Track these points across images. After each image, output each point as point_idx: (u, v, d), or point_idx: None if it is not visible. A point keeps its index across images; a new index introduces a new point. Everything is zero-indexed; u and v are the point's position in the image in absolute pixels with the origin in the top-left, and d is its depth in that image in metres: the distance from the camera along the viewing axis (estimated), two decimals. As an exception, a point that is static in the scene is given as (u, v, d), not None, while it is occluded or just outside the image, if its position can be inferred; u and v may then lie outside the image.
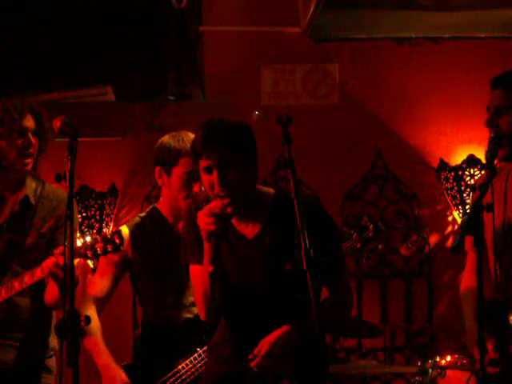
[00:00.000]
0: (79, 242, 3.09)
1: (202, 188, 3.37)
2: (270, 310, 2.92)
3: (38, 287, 3.37)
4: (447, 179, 5.94)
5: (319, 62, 6.11)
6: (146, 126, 5.86)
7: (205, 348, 3.30)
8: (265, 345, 2.86)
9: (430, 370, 4.04)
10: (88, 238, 3.06)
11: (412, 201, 6.02)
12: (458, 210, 5.90)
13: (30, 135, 3.42)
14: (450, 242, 5.96)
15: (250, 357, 2.88)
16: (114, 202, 5.94)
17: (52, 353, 3.59)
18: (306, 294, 2.57)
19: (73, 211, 2.70)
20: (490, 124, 3.20)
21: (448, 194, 5.95)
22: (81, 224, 5.73)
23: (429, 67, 6.06)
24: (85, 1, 5.83)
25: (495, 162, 3.05)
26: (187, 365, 3.42)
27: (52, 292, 3.34)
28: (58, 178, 2.74)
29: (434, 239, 5.97)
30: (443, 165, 5.97)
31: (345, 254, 3.27)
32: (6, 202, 3.50)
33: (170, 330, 3.49)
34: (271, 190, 2.99)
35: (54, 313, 3.59)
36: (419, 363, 4.15)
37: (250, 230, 2.94)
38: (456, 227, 5.95)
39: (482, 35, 5.97)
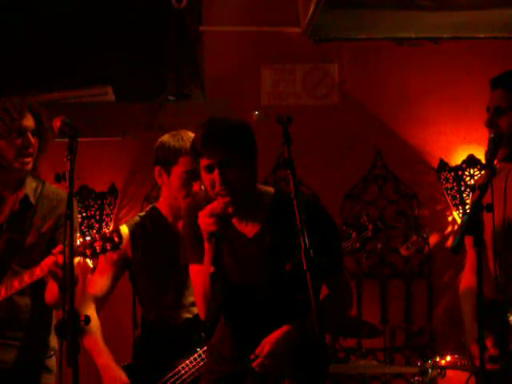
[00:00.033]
0: (78, 242, 3.09)
1: (202, 187, 3.37)
2: (270, 310, 2.93)
3: (38, 286, 3.37)
4: (447, 179, 5.94)
5: (319, 62, 6.11)
6: (146, 125, 5.86)
7: (205, 348, 3.30)
8: (267, 345, 2.87)
9: (430, 370, 4.05)
10: (87, 237, 3.07)
11: (412, 201, 6.01)
12: (458, 210, 5.90)
13: (29, 135, 3.43)
14: (449, 242, 5.96)
15: (252, 357, 2.89)
16: (114, 202, 5.94)
17: (52, 352, 3.59)
18: (305, 293, 2.57)
19: (73, 211, 2.70)
20: (490, 124, 3.20)
21: (448, 194, 5.95)
22: (81, 224, 5.73)
23: (429, 67, 6.05)
24: (85, 1, 5.83)
25: (495, 162, 3.06)
26: (187, 365, 3.42)
27: (52, 291, 3.34)
28: (58, 178, 2.74)
29: (433, 239, 5.97)
30: (443, 165, 5.97)
31: (344, 254, 3.28)
32: (5, 202, 3.50)
33: (169, 329, 3.49)
34: (271, 189, 2.99)
35: (54, 312, 3.59)
36: (419, 363, 4.16)
37: (249, 229, 2.94)
38: (456, 227, 5.95)
39: (482, 35, 5.96)
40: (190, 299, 3.43)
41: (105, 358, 3.47)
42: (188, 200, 3.29)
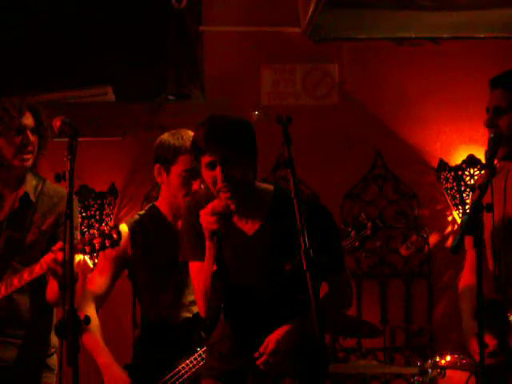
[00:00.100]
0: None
1: (202, 186, 3.38)
2: (270, 309, 2.93)
3: (38, 284, 3.38)
4: (447, 179, 5.94)
5: (319, 62, 6.11)
6: (146, 125, 5.86)
7: (205, 348, 3.30)
8: (271, 342, 2.88)
9: (430, 370, 4.04)
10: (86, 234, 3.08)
11: (412, 201, 6.01)
12: (458, 209, 5.90)
13: (28, 133, 3.44)
14: (449, 242, 5.96)
15: (256, 355, 2.90)
16: (114, 202, 5.94)
17: (53, 350, 3.59)
18: (305, 293, 2.58)
19: (73, 210, 2.71)
20: (490, 124, 3.20)
21: (448, 194, 5.95)
22: (80, 224, 5.73)
23: (428, 67, 6.05)
24: (85, 1, 5.83)
25: (495, 161, 3.06)
26: (187, 365, 3.42)
27: (53, 289, 3.35)
28: (58, 178, 2.75)
29: (433, 239, 5.98)
30: (443, 165, 5.97)
31: (345, 252, 3.29)
32: (5, 200, 3.51)
33: (169, 329, 3.49)
34: (270, 187, 3.01)
35: (54, 310, 3.59)
36: (419, 363, 4.15)
37: (249, 227, 2.95)
38: (456, 227, 5.95)
39: (482, 35, 5.97)
40: (190, 298, 3.43)
41: (106, 358, 3.47)
42: (188, 199, 3.29)
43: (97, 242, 3.02)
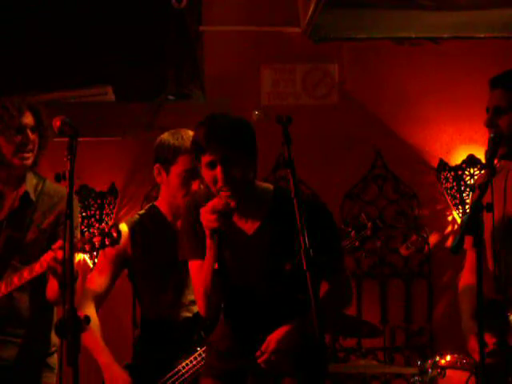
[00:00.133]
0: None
1: (201, 186, 3.38)
2: (270, 308, 2.94)
3: (38, 283, 3.38)
4: (447, 179, 5.94)
5: (319, 61, 6.11)
6: (146, 125, 5.85)
7: (204, 348, 3.30)
8: (272, 341, 2.89)
9: (430, 370, 4.04)
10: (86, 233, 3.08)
11: (412, 200, 6.01)
12: (458, 209, 5.90)
13: (28, 132, 3.45)
14: (449, 242, 5.96)
15: (258, 353, 2.90)
16: (114, 202, 5.94)
17: (54, 349, 3.59)
18: (305, 293, 2.58)
19: (72, 210, 2.70)
20: (490, 124, 3.20)
21: (448, 194, 5.95)
22: (80, 224, 5.73)
23: (429, 67, 6.05)
24: (85, 1, 5.83)
25: (495, 161, 3.06)
26: (187, 364, 3.42)
27: (53, 288, 3.35)
28: (58, 178, 2.74)
29: (433, 239, 5.98)
30: (443, 164, 5.97)
31: (344, 252, 3.30)
32: (5, 199, 3.51)
33: (169, 328, 3.49)
34: (270, 186, 3.01)
35: (55, 309, 3.59)
36: (419, 363, 4.15)
37: (249, 226, 2.95)
38: (456, 227, 5.95)
39: (482, 35, 5.97)
40: (190, 298, 3.43)
41: (106, 357, 3.47)
42: (187, 199, 3.29)
43: (96, 240, 3.02)
